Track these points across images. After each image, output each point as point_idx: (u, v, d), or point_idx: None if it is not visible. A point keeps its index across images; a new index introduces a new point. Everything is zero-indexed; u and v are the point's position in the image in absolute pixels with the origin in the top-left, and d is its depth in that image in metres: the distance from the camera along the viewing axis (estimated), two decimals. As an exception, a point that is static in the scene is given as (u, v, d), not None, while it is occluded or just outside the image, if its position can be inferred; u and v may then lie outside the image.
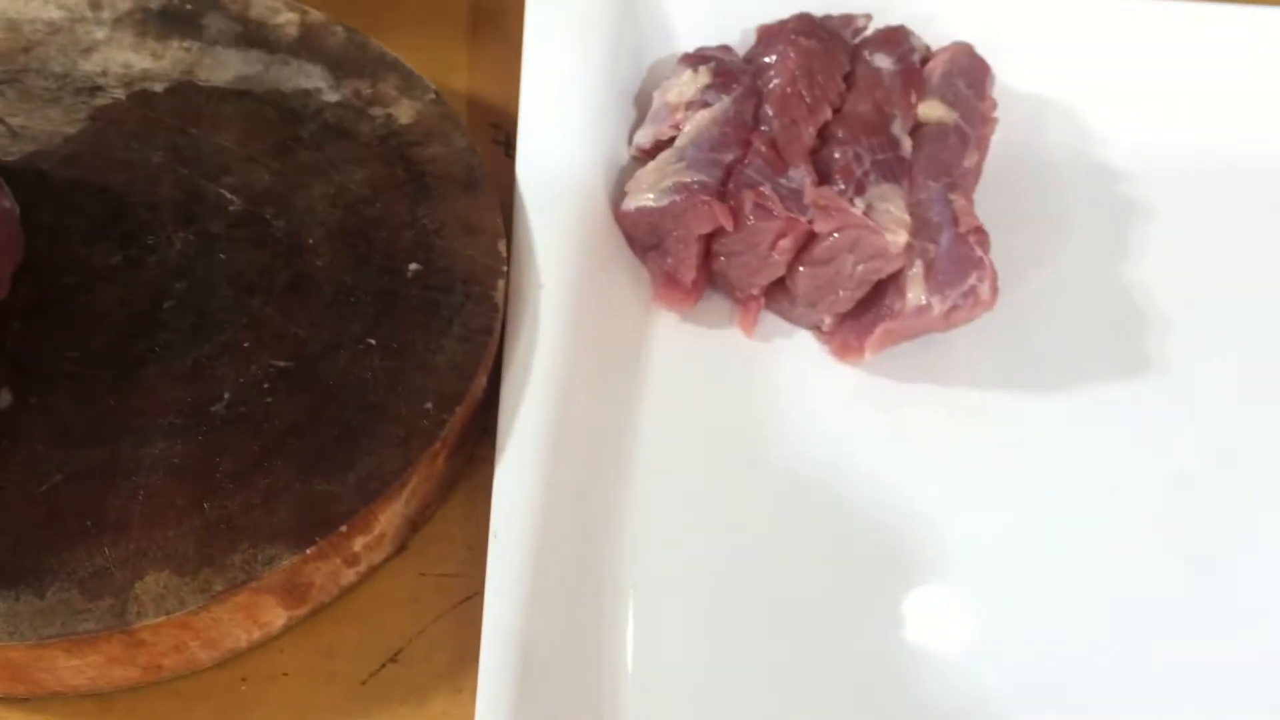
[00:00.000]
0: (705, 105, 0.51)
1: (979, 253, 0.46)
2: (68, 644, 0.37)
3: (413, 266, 0.46)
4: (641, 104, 0.55)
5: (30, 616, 0.37)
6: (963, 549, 0.46)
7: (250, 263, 0.45)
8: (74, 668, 0.39)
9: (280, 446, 0.41)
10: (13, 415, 0.41)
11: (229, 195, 0.47)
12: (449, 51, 0.59)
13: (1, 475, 0.40)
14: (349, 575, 0.42)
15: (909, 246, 0.46)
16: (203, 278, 0.45)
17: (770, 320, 0.51)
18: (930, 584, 0.45)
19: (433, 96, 0.51)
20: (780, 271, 0.48)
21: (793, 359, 0.50)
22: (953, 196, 0.47)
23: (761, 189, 0.46)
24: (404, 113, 0.50)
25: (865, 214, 0.46)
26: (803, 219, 0.46)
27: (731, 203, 0.47)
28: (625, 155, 0.53)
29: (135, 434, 0.41)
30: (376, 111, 0.50)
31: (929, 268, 0.46)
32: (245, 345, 0.43)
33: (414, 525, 0.45)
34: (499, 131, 0.57)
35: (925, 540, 0.46)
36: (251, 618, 0.40)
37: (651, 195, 0.48)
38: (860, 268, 0.47)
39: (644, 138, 0.52)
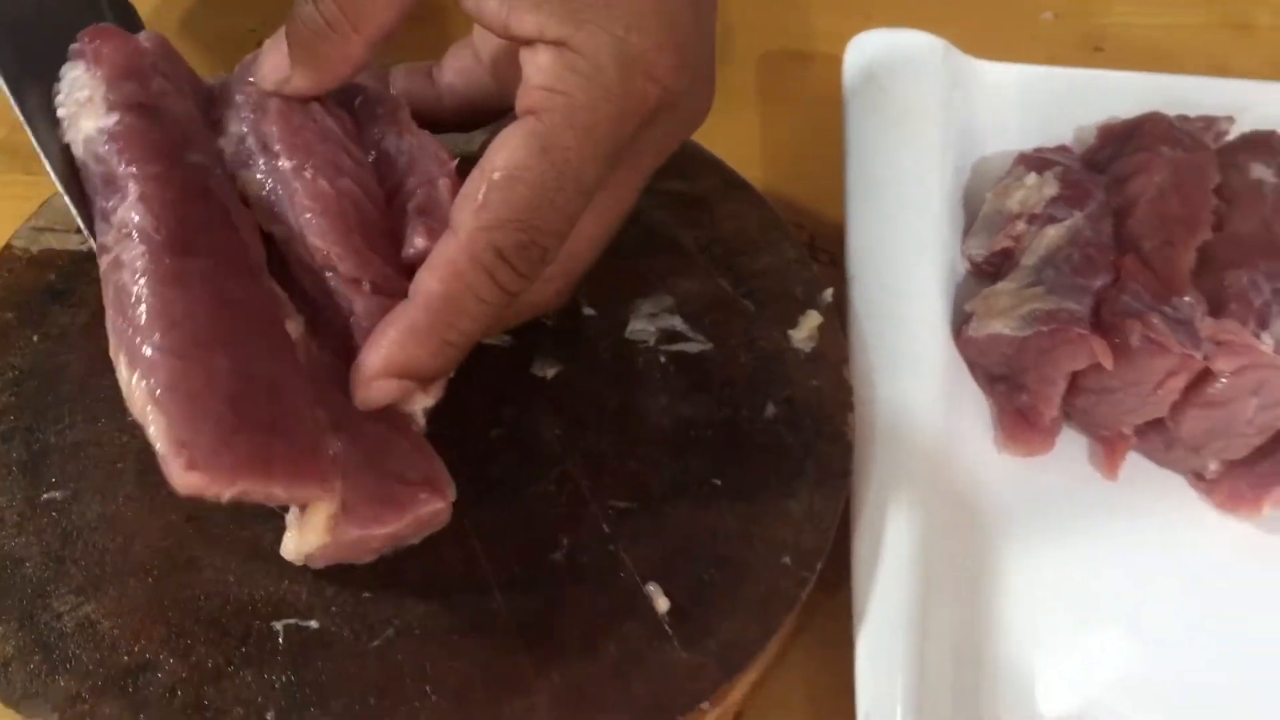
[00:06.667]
0: (1052, 220, 0.45)
1: None
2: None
3: (755, 398, 0.41)
4: (970, 205, 0.50)
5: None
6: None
7: (578, 387, 0.41)
8: None
9: (629, 606, 0.36)
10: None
11: (545, 318, 0.43)
12: (740, 145, 0.55)
13: (330, 628, 0.36)
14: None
15: (1326, 391, 0.40)
16: (530, 404, 0.41)
17: (1134, 460, 0.45)
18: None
19: (755, 200, 0.46)
20: (1161, 411, 0.42)
21: (1163, 506, 0.43)
22: (1375, 334, 0.41)
23: (1150, 319, 0.41)
24: (727, 219, 0.46)
25: (1275, 350, 0.40)
26: (1197, 354, 0.40)
27: (1110, 335, 0.41)
28: (958, 265, 0.48)
29: (474, 586, 0.37)
30: (699, 216, 0.46)
31: (1352, 417, 0.40)
32: (582, 482, 0.39)
33: (754, 689, 0.40)
34: (802, 232, 0.52)
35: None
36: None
37: (1008, 323, 0.43)
38: (1265, 413, 0.41)
39: (977, 248, 0.47)
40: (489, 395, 0.40)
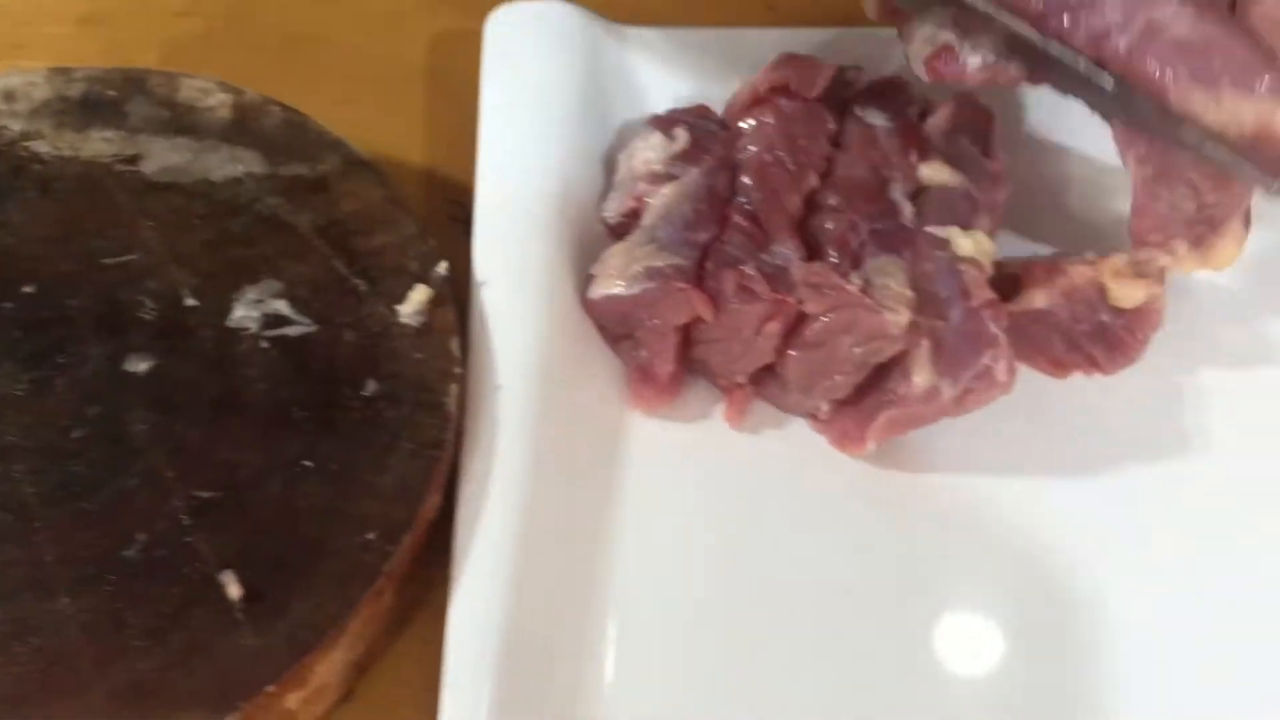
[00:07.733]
0: (672, 178, 0.46)
1: (993, 329, 0.41)
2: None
3: (357, 376, 0.41)
4: (611, 169, 0.50)
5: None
6: (970, 651, 0.41)
7: (173, 380, 0.41)
8: None
9: (201, 595, 0.36)
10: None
11: (150, 303, 0.42)
12: (404, 125, 0.55)
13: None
14: (285, 734, 0.37)
15: (913, 325, 0.41)
16: (119, 400, 0.40)
17: (760, 408, 0.45)
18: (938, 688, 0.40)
19: (378, 179, 0.46)
20: (768, 357, 0.43)
21: (786, 450, 0.44)
22: (962, 267, 0.42)
23: (744, 268, 0.41)
24: (347, 199, 0.45)
25: (862, 290, 0.41)
26: (791, 299, 0.41)
27: (711, 286, 0.42)
28: (597, 228, 0.49)
29: (38, 588, 0.36)
30: (316, 199, 0.45)
31: (937, 347, 0.41)
32: (166, 475, 0.38)
33: (361, 668, 0.39)
34: (460, 209, 0.52)
35: (935, 645, 0.41)
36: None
37: (621, 282, 0.43)
38: (858, 350, 0.41)
39: (610, 210, 0.48)
40: (73, 396, 0.39)
